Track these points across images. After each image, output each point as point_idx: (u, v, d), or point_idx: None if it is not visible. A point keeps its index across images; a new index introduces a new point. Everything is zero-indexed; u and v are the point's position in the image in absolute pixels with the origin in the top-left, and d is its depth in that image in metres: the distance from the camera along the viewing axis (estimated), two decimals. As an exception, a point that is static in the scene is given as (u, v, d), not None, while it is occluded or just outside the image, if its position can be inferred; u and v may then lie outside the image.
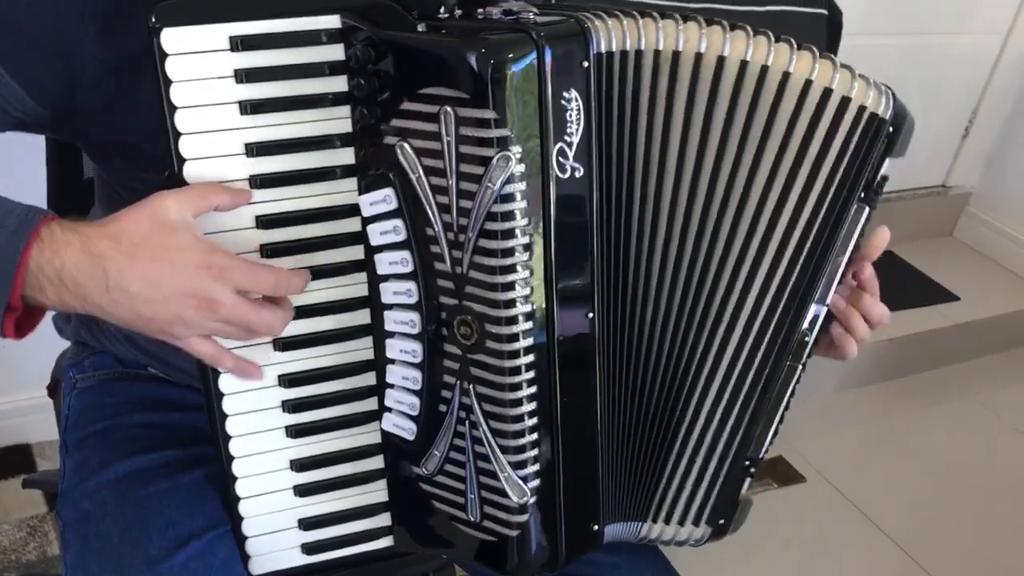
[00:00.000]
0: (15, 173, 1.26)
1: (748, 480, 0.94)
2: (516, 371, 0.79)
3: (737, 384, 0.88)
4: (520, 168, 0.74)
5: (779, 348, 0.87)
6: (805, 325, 0.88)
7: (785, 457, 2.24)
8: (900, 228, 2.93)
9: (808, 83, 0.79)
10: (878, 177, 0.85)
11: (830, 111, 0.80)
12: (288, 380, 0.85)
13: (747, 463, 0.92)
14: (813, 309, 0.88)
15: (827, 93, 0.80)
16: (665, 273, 0.85)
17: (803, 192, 0.82)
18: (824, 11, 1.65)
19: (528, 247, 0.77)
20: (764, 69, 0.79)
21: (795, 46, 0.80)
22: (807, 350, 0.89)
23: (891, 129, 0.82)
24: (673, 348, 0.88)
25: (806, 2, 1.63)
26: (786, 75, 0.79)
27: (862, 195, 0.84)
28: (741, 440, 0.90)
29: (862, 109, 0.80)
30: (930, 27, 2.64)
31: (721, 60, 0.79)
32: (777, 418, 0.92)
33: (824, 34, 1.68)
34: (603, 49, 0.77)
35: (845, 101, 0.80)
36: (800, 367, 0.90)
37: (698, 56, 0.79)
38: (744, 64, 0.79)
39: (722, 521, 0.95)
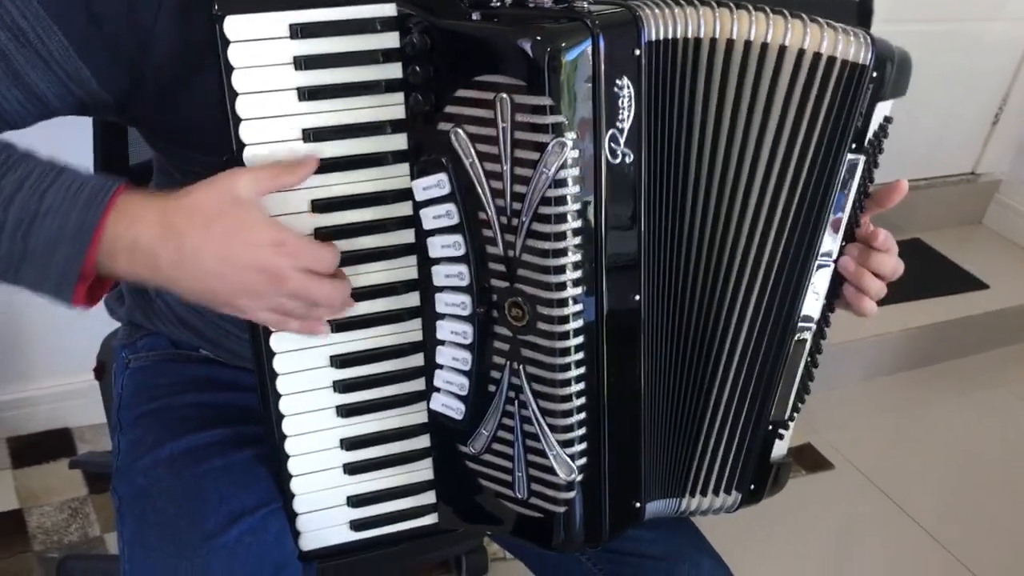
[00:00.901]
0: (61, 160, 1.28)
1: (777, 442, 0.96)
2: (566, 352, 0.81)
3: (757, 342, 0.90)
4: (574, 154, 0.75)
5: (791, 300, 0.89)
6: (813, 278, 0.90)
7: (813, 444, 2.24)
8: (929, 216, 2.94)
9: (783, 48, 0.82)
10: (871, 123, 0.87)
11: (804, 71, 0.83)
12: (339, 361, 0.87)
13: (771, 426, 0.94)
14: (820, 260, 0.90)
15: (800, 54, 0.82)
16: (702, 253, 0.87)
17: (799, 150, 0.85)
18: (855, -1, 1.64)
19: (580, 231, 0.78)
20: (782, 48, 0.82)
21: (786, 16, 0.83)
22: (819, 305, 0.91)
23: (874, 73, 0.84)
24: (708, 320, 0.90)
25: (835, -12, 1.63)
26: (765, 45, 0.82)
27: (854, 145, 0.86)
28: (762, 401, 0.92)
29: (832, 61, 0.82)
30: (961, 14, 2.63)
31: (748, 44, 0.82)
32: (797, 378, 0.94)
33: (855, 21, 1.68)
34: (654, 37, 0.79)
35: (817, 57, 0.82)
36: (814, 325, 0.92)
37: (746, 44, 0.82)
38: (771, 46, 0.82)
39: (753, 486, 0.96)
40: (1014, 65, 2.86)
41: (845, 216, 0.90)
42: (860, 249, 0.92)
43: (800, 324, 0.91)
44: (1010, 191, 3.06)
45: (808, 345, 0.93)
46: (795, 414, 0.97)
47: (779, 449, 0.97)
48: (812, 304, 0.91)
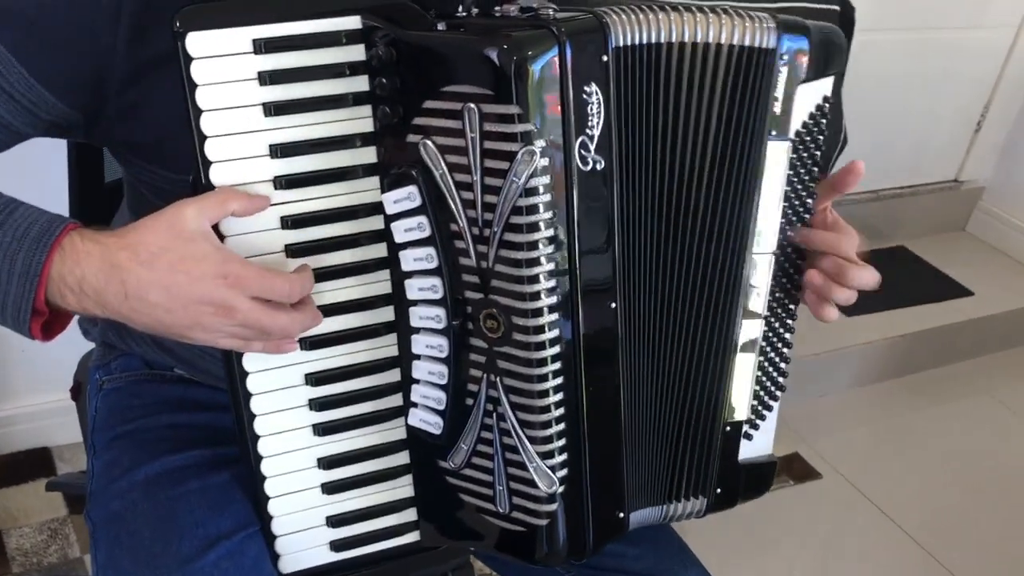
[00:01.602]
0: (37, 178, 1.27)
1: (746, 443, 0.96)
2: (543, 362, 0.80)
3: (703, 338, 0.90)
4: (544, 162, 0.75)
5: (728, 293, 0.89)
6: (751, 274, 0.89)
7: (801, 454, 2.24)
8: (913, 223, 2.95)
9: (715, 46, 0.82)
10: (794, 106, 0.86)
11: (711, 63, 0.83)
12: (315, 379, 0.86)
13: (727, 427, 0.94)
14: (754, 259, 0.89)
15: (707, 48, 0.82)
16: (674, 256, 0.87)
17: (723, 142, 0.85)
18: (836, 7, 1.65)
19: (553, 239, 0.78)
20: (706, 46, 0.83)
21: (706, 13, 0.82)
22: (763, 300, 0.91)
23: (784, 56, 0.83)
24: (680, 325, 0.89)
25: (818, -3, 1.64)
26: (694, 45, 0.82)
27: (773, 132, 0.86)
28: (715, 399, 0.92)
29: (732, 49, 0.82)
30: (942, 21, 2.64)
31: (689, 46, 0.82)
32: (751, 374, 0.93)
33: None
34: (621, 43, 0.79)
35: (719, 48, 0.82)
36: (763, 319, 0.92)
37: (690, 45, 0.82)
38: (701, 46, 0.83)
39: (720, 489, 0.96)
40: (996, 72, 2.88)
41: (777, 206, 0.89)
42: (834, 263, 0.91)
43: (743, 320, 0.90)
44: (993, 198, 3.08)
45: (758, 339, 0.92)
46: (765, 413, 0.97)
47: (751, 450, 0.97)
48: (755, 299, 0.90)
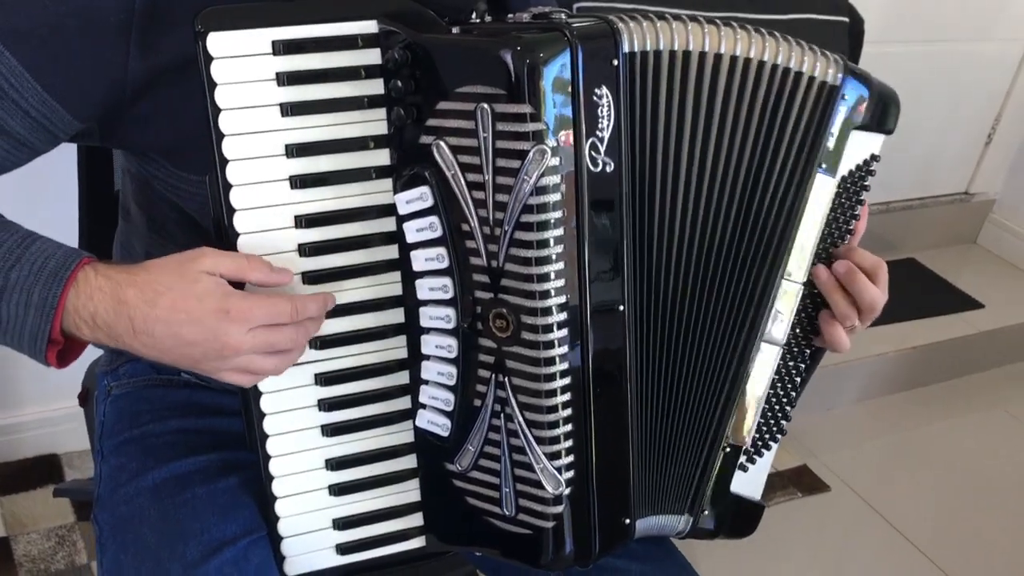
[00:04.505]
0: (47, 182, 1.28)
1: (740, 474, 0.96)
2: (551, 361, 0.81)
3: (717, 353, 0.91)
4: (554, 161, 0.76)
5: (753, 313, 0.90)
6: (777, 299, 0.90)
7: (810, 466, 2.23)
8: (923, 236, 2.95)
9: (761, 64, 0.84)
10: (846, 148, 0.88)
11: (776, 85, 0.85)
12: (324, 379, 0.86)
13: (727, 448, 0.94)
14: (784, 284, 0.90)
15: (774, 69, 0.85)
16: (682, 261, 0.87)
17: (768, 163, 0.87)
18: (845, 19, 1.66)
19: (562, 239, 0.78)
20: (747, 61, 0.84)
21: (750, 32, 0.84)
22: (786, 327, 0.91)
23: (846, 96, 0.86)
24: (693, 333, 0.90)
25: (827, 10, 1.65)
26: (747, 61, 0.84)
27: (823, 165, 0.87)
28: (720, 415, 0.92)
29: (799, 76, 0.85)
30: (952, 34, 2.65)
31: (719, 58, 0.84)
32: (760, 399, 0.93)
33: (845, 41, 1.69)
34: (631, 49, 0.80)
35: (786, 72, 0.85)
36: (781, 348, 0.92)
37: (716, 56, 0.83)
38: (740, 60, 0.84)
39: (707, 512, 0.96)
40: (1006, 85, 2.88)
41: (814, 238, 0.90)
42: (847, 267, 0.91)
43: (762, 342, 0.91)
44: (1004, 211, 3.07)
45: (773, 366, 0.92)
46: (763, 451, 0.97)
47: (743, 484, 0.97)
48: (777, 325, 0.91)
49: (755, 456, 0.97)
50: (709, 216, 0.87)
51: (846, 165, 0.89)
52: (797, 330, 0.94)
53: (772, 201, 0.87)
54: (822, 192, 0.88)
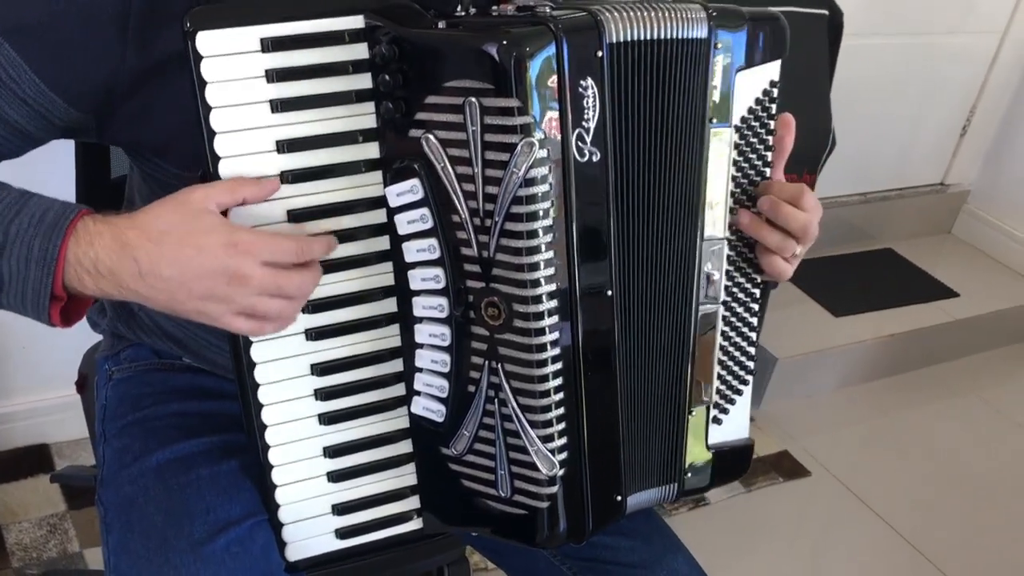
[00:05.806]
0: (44, 174, 1.28)
1: (715, 427, 0.99)
2: (543, 347, 0.83)
3: (664, 323, 0.93)
4: (542, 153, 0.78)
5: (687, 281, 0.92)
6: (704, 259, 0.92)
7: (790, 452, 2.26)
8: (900, 226, 2.98)
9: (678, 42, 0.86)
10: (734, 93, 0.89)
11: (681, 57, 0.86)
12: (320, 369, 0.88)
13: (692, 412, 0.97)
14: (705, 246, 0.92)
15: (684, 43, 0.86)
16: (666, 245, 0.90)
17: (676, 134, 0.88)
18: (825, 12, 1.68)
19: (551, 228, 0.80)
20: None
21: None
22: (719, 285, 0.94)
23: (718, 45, 0.87)
24: (662, 307, 0.92)
25: (808, 3, 1.67)
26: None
27: (713, 120, 0.89)
28: (676, 383, 0.95)
29: (673, 43, 0.86)
30: (928, 27, 2.68)
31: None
32: (715, 355, 0.96)
33: (825, 34, 1.72)
34: (615, 39, 0.81)
35: (670, 43, 0.85)
36: (720, 306, 0.94)
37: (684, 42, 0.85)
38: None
39: (690, 474, 0.99)
40: (981, 77, 2.91)
41: (724, 192, 0.92)
42: (769, 203, 0.93)
43: (701, 306, 0.93)
44: (978, 201, 3.11)
45: (718, 325, 0.95)
46: (734, 397, 0.99)
47: (722, 434, 0.99)
48: (712, 286, 0.93)
49: (727, 406, 1.00)
50: (660, 191, 0.89)
51: (739, 110, 0.90)
52: (737, 277, 0.96)
53: (678, 171, 0.88)
54: (720, 144, 0.90)
